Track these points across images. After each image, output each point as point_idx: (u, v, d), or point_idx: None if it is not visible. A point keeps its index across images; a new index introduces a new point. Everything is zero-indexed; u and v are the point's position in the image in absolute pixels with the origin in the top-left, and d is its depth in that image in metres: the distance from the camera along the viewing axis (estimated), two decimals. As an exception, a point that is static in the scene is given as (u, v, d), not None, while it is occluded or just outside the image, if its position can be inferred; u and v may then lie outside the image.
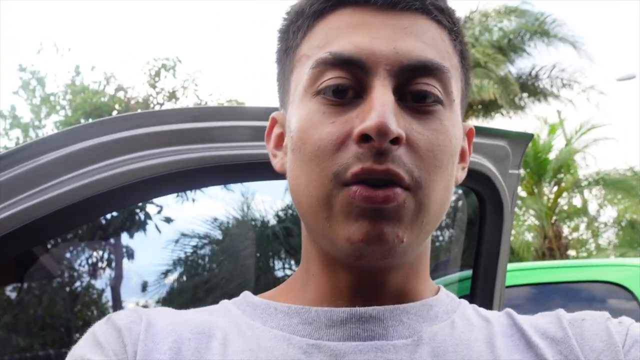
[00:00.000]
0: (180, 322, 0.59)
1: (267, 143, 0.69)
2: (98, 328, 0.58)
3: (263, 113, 1.04)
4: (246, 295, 0.65)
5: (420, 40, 0.56)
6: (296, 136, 0.57)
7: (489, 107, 13.26)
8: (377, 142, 0.51)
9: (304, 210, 0.58)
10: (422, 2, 0.58)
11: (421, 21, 0.58)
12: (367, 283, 0.58)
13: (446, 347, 0.56)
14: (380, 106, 0.52)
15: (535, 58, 13.67)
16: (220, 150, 1.01)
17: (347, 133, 0.54)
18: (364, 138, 0.52)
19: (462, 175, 0.65)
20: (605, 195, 13.30)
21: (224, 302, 0.65)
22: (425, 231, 0.57)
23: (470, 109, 12.96)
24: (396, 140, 0.52)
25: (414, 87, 0.55)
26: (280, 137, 0.67)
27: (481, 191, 1.28)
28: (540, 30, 13.03)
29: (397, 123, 0.52)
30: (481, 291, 1.34)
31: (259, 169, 1.04)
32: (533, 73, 13.53)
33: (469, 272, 1.42)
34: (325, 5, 0.59)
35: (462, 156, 0.65)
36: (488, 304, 1.33)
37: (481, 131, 1.29)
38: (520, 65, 13.83)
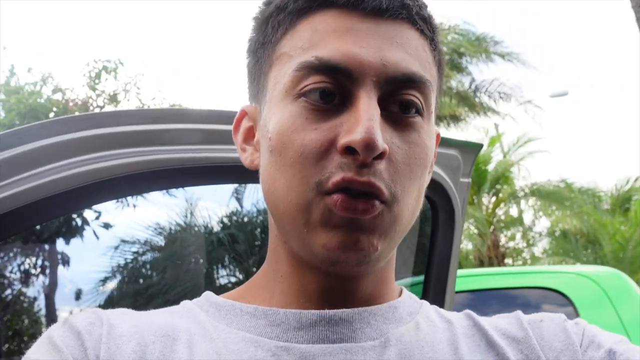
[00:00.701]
0: (143, 324, 0.57)
1: (234, 136, 0.68)
2: (54, 331, 0.55)
3: (213, 116, 1.02)
4: (208, 295, 0.63)
5: (406, 51, 0.56)
6: (276, 138, 0.56)
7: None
8: (363, 156, 0.51)
9: (279, 213, 0.57)
10: (408, 12, 0.57)
11: (406, 31, 0.57)
12: (337, 288, 0.58)
13: (412, 349, 0.57)
14: (368, 120, 0.52)
15: (475, 74, 14.10)
16: (168, 153, 0.98)
17: (330, 141, 0.53)
18: (349, 150, 0.52)
19: (427, 179, 0.65)
20: (540, 206, 13.85)
21: (185, 303, 0.63)
22: (397, 239, 0.58)
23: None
24: (380, 155, 0.52)
25: (398, 97, 0.56)
26: (250, 131, 0.66)
27: (434, 199, 1.30)
28: (481, 49, 13.47)
29: (382, 137, 0.52)
30: (433, 295, 1.36)
31: (207, 173, 1.02)
32: (473, 86, 13.97)
33: (420, 278, 1.43)
34: (310, 5, 0.57)
35: None
36: (440, 307, 1.34)
37: (433, 139, 1.30)
38: (459, 80, 14.22)
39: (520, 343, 0.60)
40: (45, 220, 1.48)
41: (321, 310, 0.57)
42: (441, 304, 1.35)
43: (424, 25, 0.59)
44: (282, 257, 0.60)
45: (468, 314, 0.65)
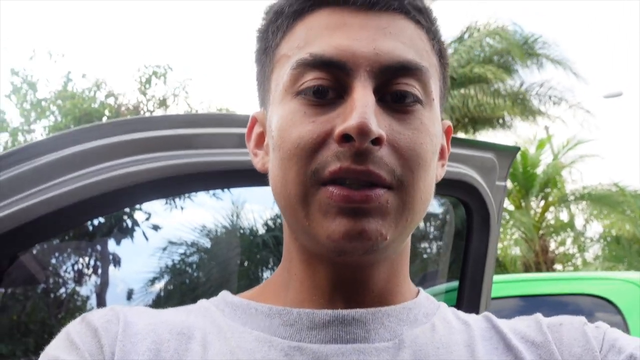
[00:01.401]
0: (159, 322, 0.58)
1: (247, 142, 0.69)
2: (72, 328, 0.57)
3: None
4: (225, 295, 0.64)
5: (399, 40, 0.57)
6: (277, 135, 0.57)
7: (477, 121, 13.33)
8: (358, 142, 0.52)
9: (283, 207, 0.58)
10: (400, 2, 0.58)
11: (400, 21, 0.58)
12: (348, 280, 0.58)
13: (427, 351, 0.56)
14: (362, 107, 0.52)
15: (523, 76, 13.75)
16: (208, 156, 1.02)
17: (327, 132, 0.54)
18: (345, 138, 0.52)
19: (441, 172, 0.65)
20: (591, 210, 13.39)
21: (202, 302, 0.64)
22: (409, 228, 0.57)
23: (458, 124, 13.02)
24: (377, 141, 0.52)
25: (394, 87, 0.56)
26: (261, 136, 0.67)
27: (469, 202, 1.29)
28: (530, 51, 13.15)
29: (377, 123, 0.52)
30: (467, 301, 1.35)
31: (246, 176, 1.05)
32: (522, 89, 13.63)
33: (455, 284, 1.43)
34: (304, 6, 0.59)
35: (442, 153, 0.65)
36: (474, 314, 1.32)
37: (469, 143, 1.30)
38: (507, 82, 13.91)
39: (539, 347, 0.59)
40: (90, 219, 1.55)
41: (334, 310, 0.57)
42: (476, 310, 1.33)
43: (419, 15, 0.59)
44: (294, 254, 0.61)
45: (487, 317, 0.64)
